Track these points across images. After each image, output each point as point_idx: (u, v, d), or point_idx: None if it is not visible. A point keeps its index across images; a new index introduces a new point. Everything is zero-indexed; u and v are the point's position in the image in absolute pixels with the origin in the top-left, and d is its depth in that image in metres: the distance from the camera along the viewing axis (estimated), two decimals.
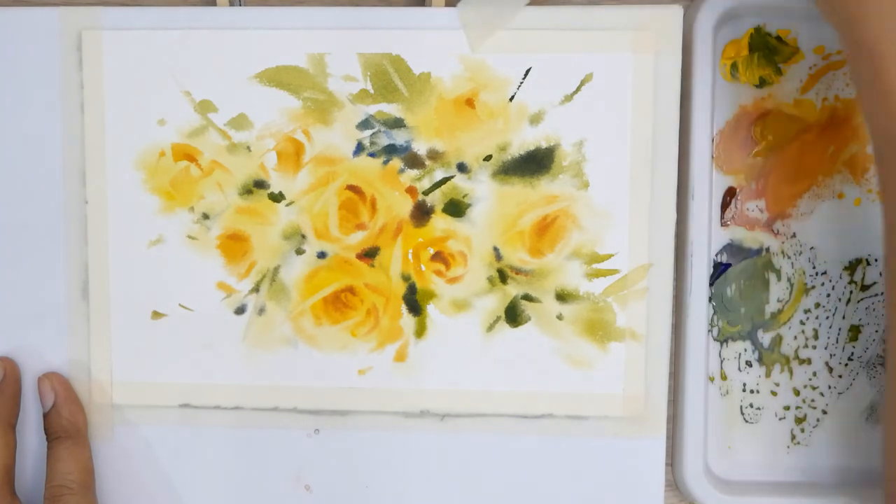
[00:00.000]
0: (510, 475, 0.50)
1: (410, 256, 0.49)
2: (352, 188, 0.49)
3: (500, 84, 0.48)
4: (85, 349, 0.50)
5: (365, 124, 0.49)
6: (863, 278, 0.50)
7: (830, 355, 0.51)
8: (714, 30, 0.48)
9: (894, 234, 0.40)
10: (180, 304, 0.50)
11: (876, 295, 0.50)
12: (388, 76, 0.48)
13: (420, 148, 0.49)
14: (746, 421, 0.51)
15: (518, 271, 0.49)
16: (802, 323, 0.50)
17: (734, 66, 0.50)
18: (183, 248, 0.50)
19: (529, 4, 0.48)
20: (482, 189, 0.49)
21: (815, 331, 0.51)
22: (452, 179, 0.49)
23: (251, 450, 0.50)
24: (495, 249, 0.49)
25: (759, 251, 0.50)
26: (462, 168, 0.49)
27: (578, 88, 0.48)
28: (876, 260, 0.50)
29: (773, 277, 0.50)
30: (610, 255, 0.49)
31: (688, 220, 0.49)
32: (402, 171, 0.49)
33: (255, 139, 0.49)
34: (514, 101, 0.48)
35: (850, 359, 0.51)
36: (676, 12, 0.47)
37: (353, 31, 0.48)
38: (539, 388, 0.50)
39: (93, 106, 0.49)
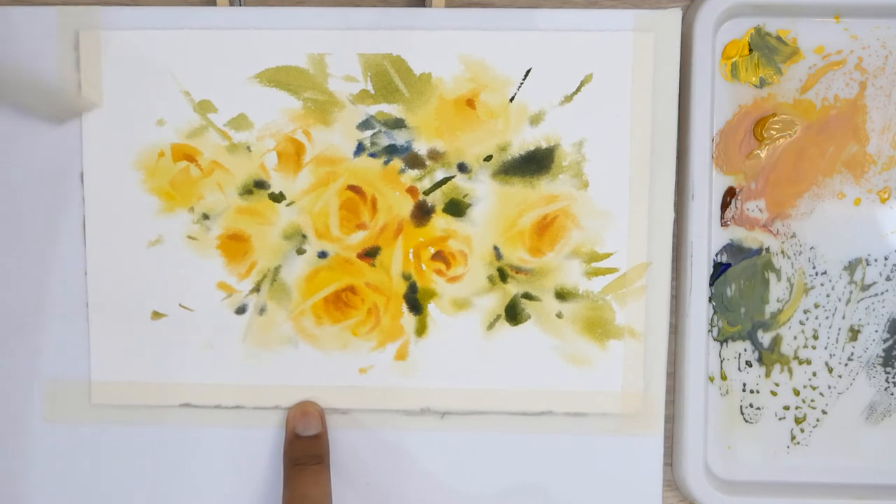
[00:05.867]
0: (510, 472, 0.50)
1: (411, 256, 0.49)
2: (352, 188, 0.49)
3: (501, 84, 0.48)
4: (85, 349, 0.50)
5: (365, 125, 0.49)
6: (863, 278, 0.50)
7: (830, 355, 0.51)
8: (714, 30, 0.48)
9: None
10: (180, 305, 0.50)
11: (876, 295, 0.50)
12: (388, 76, 0.48)
13: (421, 148, 0.49)
14: (746, 421, 0.51)
15: (518, 270, 0.49)
16: (802, 323, 0.51)
17: (734, 66, 0.50)
18: (183, 248, 0.50)
19: (530, 6, 0.48)
20: (482, 189, 0.49)
21: (815, 331, 0.51)
22: (453, 179, 0.49)
23: (252, 449, 0.50)
24: (495, 249, 0.49)
25: (758, 251, 0.50)
26: (462, 168, 0.49)
27: (578, 89, 0.48)
28: (876, 260, 0.50)
29: (772, 277, 0.50)
30: (609, 254, 0.49)
31: (688, 219, 0.49)
32: (402, 171, 0.49)
33: (256, 139, 0.49)
34: (514, 101, 0.48)
35: (850, 359, 0.51)
36: (676, 14, 0.48)
37: (353, 32, 0.48)
38: (539, 386, 0.50)
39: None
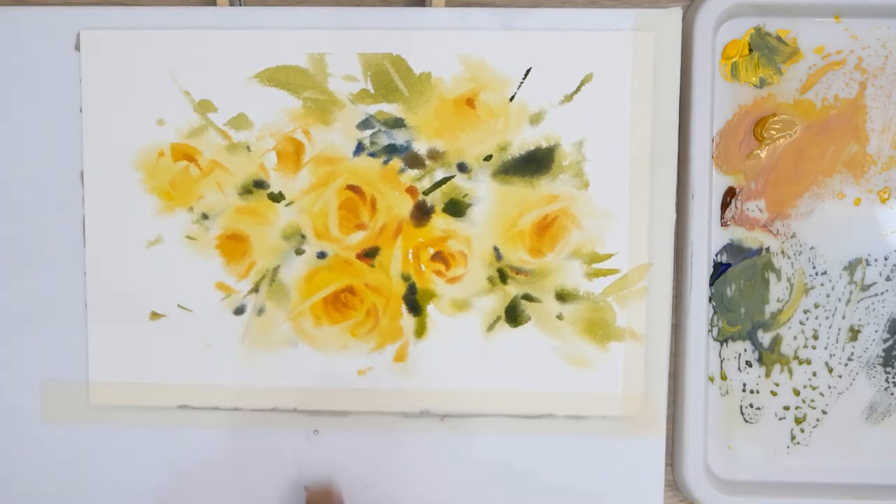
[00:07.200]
0: (510, 475, 0.50)
1: (410, 256, 0.49)
2: (352, 188, 0.49)
3: (501, 84, 0.48)
4: (83, 349, 0.50)
5: (365, 124, 0.49)
6: (863, 278, 0.50)
7: (830, 355, 0.51)
8: (714, 30, 0.48)
9: None
10: (179, 305, 0.50)
11: (876, 295, 0.50)
12: (388, 76, 0.48)
13: (420, 148, 0.49)
14: (746, 421, 0.51)
15: (518, 271, 0.49)
16: (802, 323, 0.50)
17: (734, 66, 0.50)
18: (182, 248, 0.50)
19: (530, 6, 0.48)
20: (482, 189, 0.49)
21: (815, 331, 0.51)
22: (453, 179, 0.49)
23: (250, 451, 0.50)
24: (495, 249, 0.49)
25: (758, 251, 0.50)
26: (462, 168, 0.49)
27: (578, 88, 0.48)
28: (876, 260, 0.50)
29: (772, 277, 0.50)
30: (610, 255, 0.49)
31: (688, 219, 0.49)
32: (402, 170, 0.49)
33: (255, 139, 0.49)
34: (514, 101, 0.48)
35: (850, 359, 0.51)
36: (676, 13, 0.48)
37: (353, 31, 0.48)
38: (539, 388, 0.50)
39: (91, 106, 0.49)
